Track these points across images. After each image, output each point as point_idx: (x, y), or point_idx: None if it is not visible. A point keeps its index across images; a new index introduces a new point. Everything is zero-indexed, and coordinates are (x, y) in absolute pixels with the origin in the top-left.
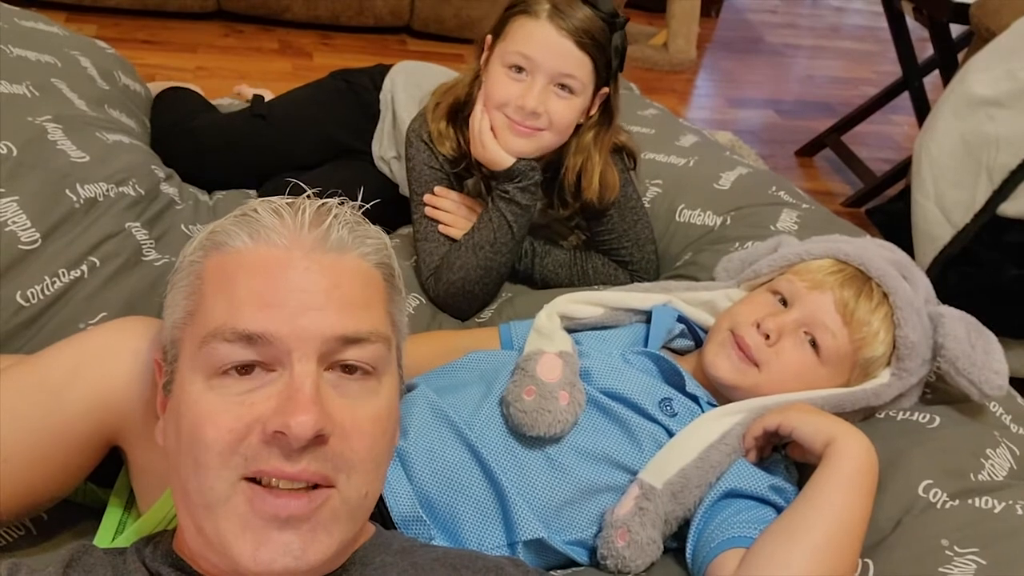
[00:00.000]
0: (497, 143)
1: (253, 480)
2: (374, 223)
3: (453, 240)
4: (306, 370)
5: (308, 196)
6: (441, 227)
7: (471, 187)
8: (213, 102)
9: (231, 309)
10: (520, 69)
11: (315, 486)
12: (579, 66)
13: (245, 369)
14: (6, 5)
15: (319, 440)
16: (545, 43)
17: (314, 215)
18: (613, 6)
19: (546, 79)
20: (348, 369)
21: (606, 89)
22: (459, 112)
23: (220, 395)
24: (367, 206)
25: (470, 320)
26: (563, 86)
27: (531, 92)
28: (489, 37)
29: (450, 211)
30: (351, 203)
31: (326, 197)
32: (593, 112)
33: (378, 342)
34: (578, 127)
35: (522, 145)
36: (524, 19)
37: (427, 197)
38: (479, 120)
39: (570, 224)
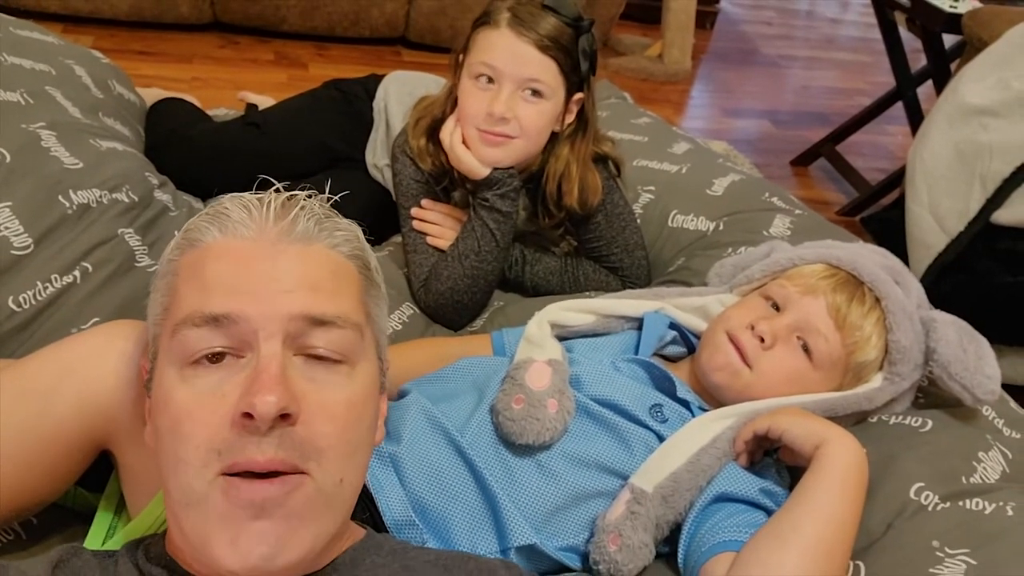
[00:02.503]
0: (471, 154)
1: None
2: (368, 231)
3: (441, 251)
4: (272, 351)
5: (276, 190)
6: (429, 239)
7: (458, 199)
8: (209, 112)
9: (200, 296)
10: (489, 80)
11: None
12: (544, 70)
13: (216, 357)
14: (2, 15)
15: (286, 420)
16: (507, 50)
17: (280, 208)
18: (578, 10)
19: (513, 85)
20: (318, 357)
21: (581, 95)
22: (437, 130)
23: (194, 388)
24: (335, 198)
25: (463, 330)
26: (532, 91)
27: (499, 99)
28: (461, 55)
29: (437, 223)
30: (320, 196)
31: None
32: (569, 119)
33: (346, 327)
34: (556, 135)
35: (495, 154)
36: (486, 30)
37: (414, 210)
38: (450, 133)
39: (559, 231)
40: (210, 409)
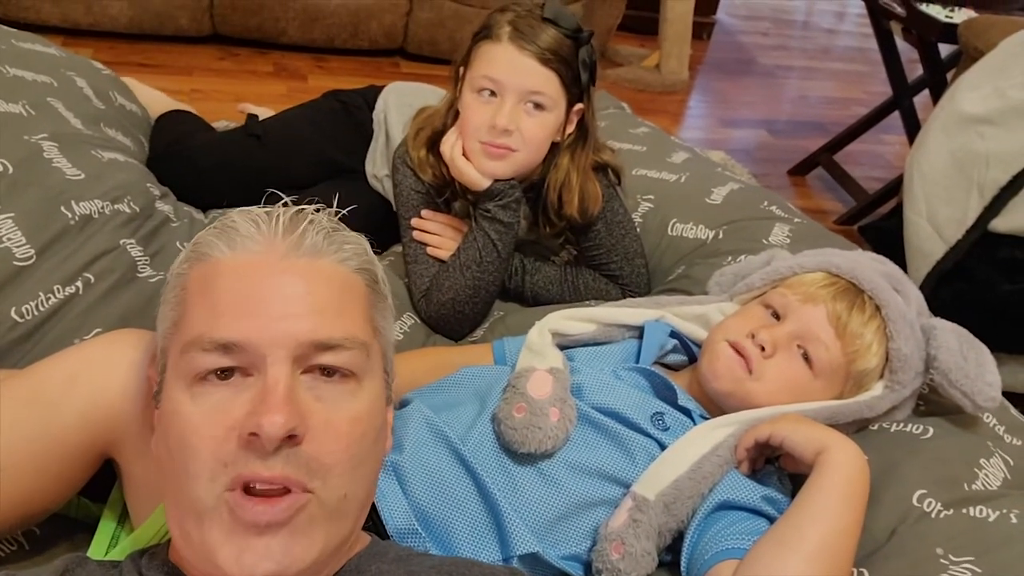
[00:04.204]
0: (472, 166)
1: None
2: (369, 241)
3: (442, 262)
4: (280, 372)
5: (285, 204)
6: (429, 249)
7: (459, 209)
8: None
9: (209, 319)
10: (491, 93)
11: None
12: (545, 83)
13: (224, 373)
14: (4, 27)
15: (292, 440)
16: (509, 64)
17: (288, 222)
18: (577, 22)
19: (515, 98)
20: (326, 372)
21: (581, 105)
22: (438, 141)
23: (201, 403)
24: (344, 212)
25: (463, 339)
26: (534, 104)
27: (502, 111)
28: (462, 68)
29: (437, 233)
30: (328, 210)
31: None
32: (570, 130)
33: (353, 348)
34: (556, 146)
35: (497, 167)
36: (487, 44)
37: (414, 220)
38: (451, 146)
39: (559, 240)
40: (216, 423)
